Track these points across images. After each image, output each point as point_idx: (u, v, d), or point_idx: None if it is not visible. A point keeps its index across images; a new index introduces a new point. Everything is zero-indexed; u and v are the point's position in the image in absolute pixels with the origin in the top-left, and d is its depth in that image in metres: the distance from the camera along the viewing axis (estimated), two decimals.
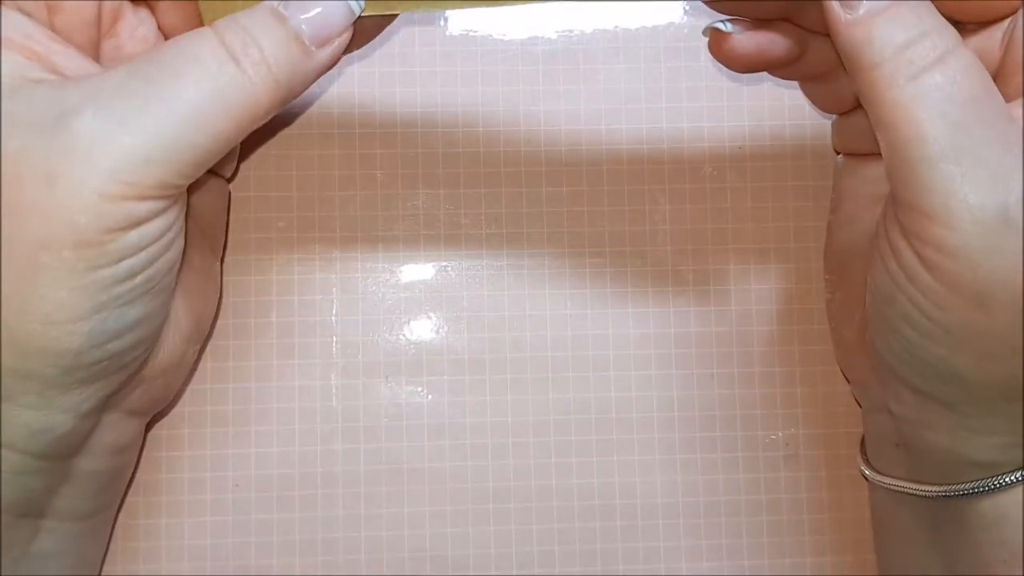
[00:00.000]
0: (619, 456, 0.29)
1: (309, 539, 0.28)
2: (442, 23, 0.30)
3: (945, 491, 0.23)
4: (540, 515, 0.28)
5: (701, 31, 0.24)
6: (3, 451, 0.21)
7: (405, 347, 0.29)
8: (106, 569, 0.27)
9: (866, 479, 0.27)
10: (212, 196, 0.27)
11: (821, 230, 0.29)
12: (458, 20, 0.30)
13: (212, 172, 0.26)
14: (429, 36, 0.29)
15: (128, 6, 0.23)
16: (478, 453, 0.28)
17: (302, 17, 0.20)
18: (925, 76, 0.19)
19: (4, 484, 0.21)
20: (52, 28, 0.21)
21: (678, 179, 0.30)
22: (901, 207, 0.20)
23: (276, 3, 0.21)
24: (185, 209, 0.22)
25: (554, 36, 0.30)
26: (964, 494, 0.22)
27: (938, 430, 0.22)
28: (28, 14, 0.21)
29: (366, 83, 0.29)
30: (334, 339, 0.29)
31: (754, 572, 0.28)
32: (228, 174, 0.28)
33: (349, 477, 0.28)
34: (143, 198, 0.19)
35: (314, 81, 0.21)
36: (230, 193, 0.28)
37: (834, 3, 0.20)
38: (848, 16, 0.20)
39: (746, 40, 0.23)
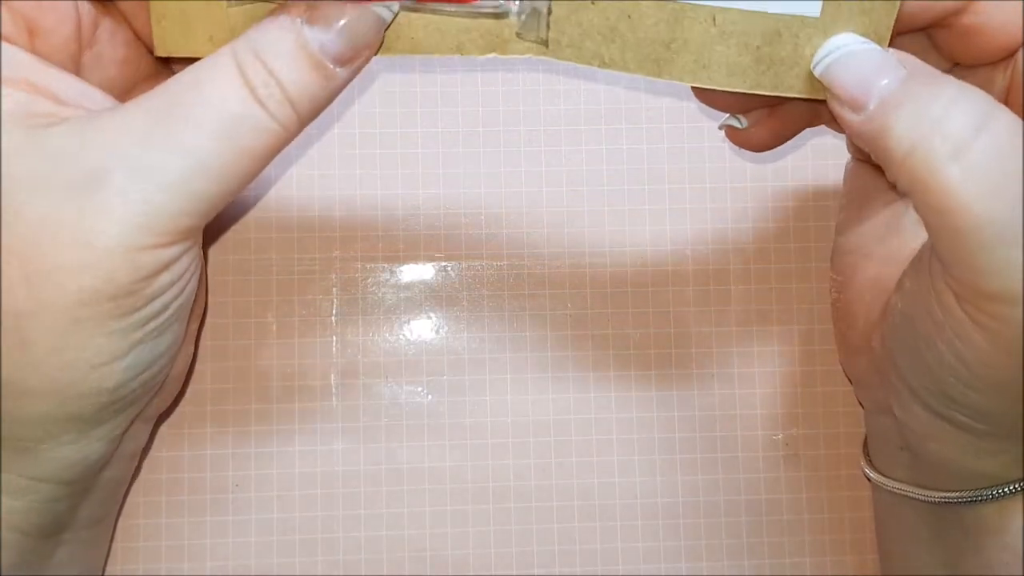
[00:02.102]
0: (619, 456, 0.29)
1: (309, 539, 0.28)
2: None
3: (948, 497, 0.22)
4: (540, 515, 0.28)
5: (717, 126, 0.24)
6: (38, 484, 0.21)
7: (405, 347, 0.29)
8: (106, 569, 0.27)
9: (869, 480, 0.26)
10: None
11: (821, 229, 0.29)
12: None
13: None
14: None
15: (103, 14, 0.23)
16: (478, 453, 0.28)
17: (326, 38, 0.19)
18: (968, 152, 0.17)
19: (36, 513, 0.21)
20: (34, 52, 0.20)
21: (678, 179, 0.30)
22: (956, 280, 0.19)
23: (296, 18, 0.19)
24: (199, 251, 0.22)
25: None
26: (968, 501, 0.22)
27: (946, 445, 0.22)
28: (12, 42, 0.20)
29: (366, 83, 0.29)
30: (334, 339, 0.29)
31: (754, 572, 0.28)
32: None
33: (349, 477, 0.28)
34: (173, 244, 0.19)
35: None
36: None
37: (841, 109, 0.19)
38: (858, 118, 0.19)
39: (760, 130, 0.23)
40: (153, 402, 0.24)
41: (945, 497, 0.23)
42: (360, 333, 0.29)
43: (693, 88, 0.23)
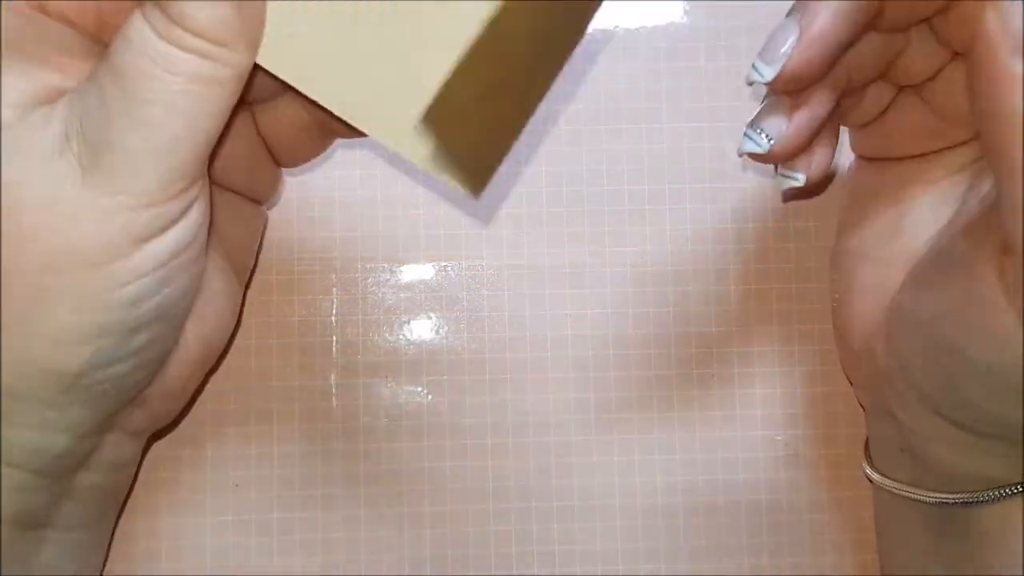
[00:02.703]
0: (619, 456, 0.29)
1: (309, 539, 0.28)
2: None
3: (949, 498, 0.22)
4: (540, 515, 0.28)
5: (737, 153, 0.24)
6: (4, 468, 0.21)
7: (405, 347, 0.29)
8: (106, 569, 0.27)
9: (870, 481, 0.26)
10: (245, 222, 0.26)
11: (821, 229, 0.29)
12: None
13: (249, 199, 0.26)
14: None
15: None
16: (478, 453, 0.28)
17: None
18: None
19: (5, 500, 0.21)
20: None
21: (678, 179, 0.30)
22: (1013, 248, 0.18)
23: None
24: (203, 240, 0.21)
25: None
26: (969, 502, 0.22)
27: (950, 448, 0.22)
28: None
29: None
30: (334, 339, 0.29)
31: (754, 572, 0.28)
32: (267, 201, 0.28)
33: (349, 477, 0.28)
34: (141, 208, 0.19)
35: (256, 16, 0.19)
36: (267, 220, 0.28)
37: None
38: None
39: (779, 148, 0.23)
40: (136, 413, 0.23)
41: (945, 498, 0.23)
42: (360, 333, 0.29)
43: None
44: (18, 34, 0.19)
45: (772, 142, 0.23)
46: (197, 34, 0.18)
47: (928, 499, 0.23)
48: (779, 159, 0.23)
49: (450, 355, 0.29)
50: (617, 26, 0.30)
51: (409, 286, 0.29)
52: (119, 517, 0.27)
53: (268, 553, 0.28)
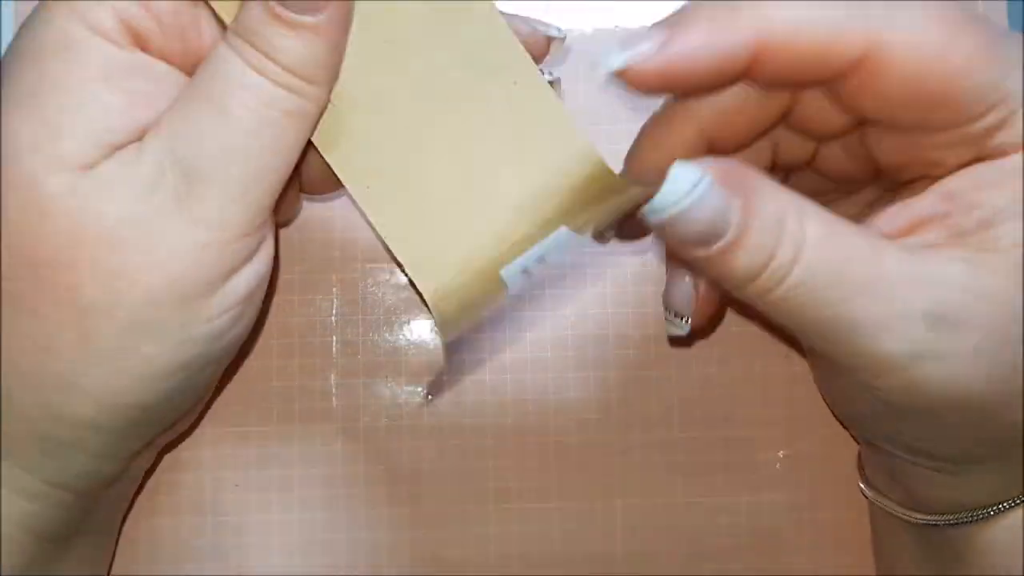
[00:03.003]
0: (619, 456, 0.29)
1: (309, 539, 0.28)
2: None
3: (937, 520, 0.23)
4: (540, 515, 0.28)
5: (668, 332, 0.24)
6: (52, 491, 0.21)
7: (405, 347, 0.29)
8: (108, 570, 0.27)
9: (866, 497, 0.27)
10: None
11: None
12: None
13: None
14: None
15: None
16: (478, 453, 0.28)
17: None
18: (785, 284, 0.18)
19: (46, 519, 0.21)
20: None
21: None
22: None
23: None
24: (270, 275, 0.22)
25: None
26: (956, 523, 0.22)
27: (928, 482, 0.23)
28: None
29: None
30: (334, 339, 0.29)
31: (754, 572, 0.28)
32: (286, 223, 0.28)
33: (349, 477, 0.28)
34: (232, 242, 0.19)
35: (340, 54, 0.20)
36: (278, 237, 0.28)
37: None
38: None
39: (697, 323, 0.23)
40: (167, 432, 0.24)
41: (933, 520, 0.23)
42: (360, 333, 0.29)
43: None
44: (111, 69, 0.19)
45: (687, 322, 0.23)
46: (289, 69, 0.19)
47: (917, 520, 0.24)
48: (703, 331, 0.23)
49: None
50: (617, 26, 0.30)
51: (409, 286, 0.29)
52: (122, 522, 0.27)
53: (268, 553, 0.28)
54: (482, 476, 0.28)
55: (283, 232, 0.29)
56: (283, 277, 0.29)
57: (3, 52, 0.21)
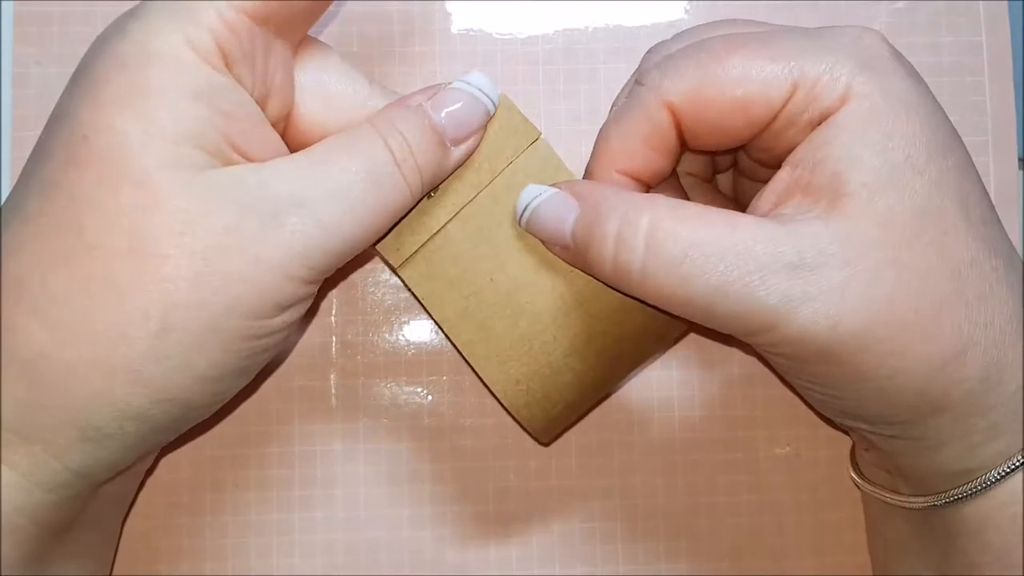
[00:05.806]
0: (619, 456, 0.29)
1: (308, 539, 0.28)
2: (442, 23, 0.30)
3: (927, 502, 0.23)
4: (540, 515, 0.28)
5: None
6: (74, 479, 0.21)
7: (405, 347, 0.29)
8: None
9: (858, 487, 0.27)
10: None
11: None
12: (458, 20, 0.30)
13: None
14: (429, 36, 0.29)
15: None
16: (478, 454, 0.28)
17: (444, 112, 0.23)
18: (638, 264, 0.21)
19: (58, 508, 0.21)
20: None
21: None
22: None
23: (422, 102, 0.23)
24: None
25: (554, 36, 0.30)
26: (946, 503, 0.22)
27: (901, 453, 0.23)
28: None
29: None
30: (334, 339, 0.29)
31: (754, 572, 0.28)
32: None
33: (349, 477, 0.28)
34: (310, 283, 0.21)
35: (448, 171, 0.24)
36: None
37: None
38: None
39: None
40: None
41: (924, 502, 0.23)
42: (360, 333, 0.29)
43: None
44: (203, 87, 0.20)
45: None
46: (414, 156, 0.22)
47: (908, 504, 0.24)
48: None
49: (450, 355, 0.29)
50: (617, 26, 0.30)
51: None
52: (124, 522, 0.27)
53: (268, 553, 0.28)
54: (482, 476, 0.28)
55: None
56: None
57: (10, 48, 0.22)
